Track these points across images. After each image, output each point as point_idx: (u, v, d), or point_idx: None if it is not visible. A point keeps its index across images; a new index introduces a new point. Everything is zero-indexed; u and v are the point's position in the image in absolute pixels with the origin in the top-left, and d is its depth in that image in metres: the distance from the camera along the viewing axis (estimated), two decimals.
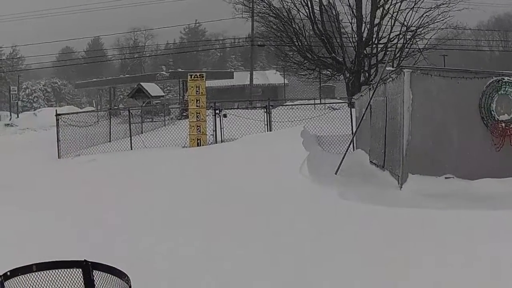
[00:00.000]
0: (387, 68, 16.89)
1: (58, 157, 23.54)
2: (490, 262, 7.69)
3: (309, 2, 37.64)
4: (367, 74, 37.36)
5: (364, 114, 16.78)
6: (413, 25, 36.68)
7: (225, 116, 24.57)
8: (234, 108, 35.06)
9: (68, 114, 27.41)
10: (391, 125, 14.85)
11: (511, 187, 12.84)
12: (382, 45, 37.47)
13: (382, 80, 16.03)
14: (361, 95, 19.76)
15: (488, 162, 13.60)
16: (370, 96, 16.60)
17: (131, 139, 24.04)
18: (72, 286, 4.63)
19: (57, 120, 24.61)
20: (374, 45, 37.77)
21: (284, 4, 38.78)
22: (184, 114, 32.38)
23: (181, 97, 50.03)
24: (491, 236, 8.72)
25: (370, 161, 16.83)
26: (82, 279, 4.63)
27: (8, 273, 4.46)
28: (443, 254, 8.12)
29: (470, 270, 7.52)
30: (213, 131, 23.35)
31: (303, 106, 30.39)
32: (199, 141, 22.48)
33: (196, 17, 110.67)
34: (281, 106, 28.02)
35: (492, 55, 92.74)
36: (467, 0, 37.34)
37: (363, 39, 37.24)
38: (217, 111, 23.95)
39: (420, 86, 13.75)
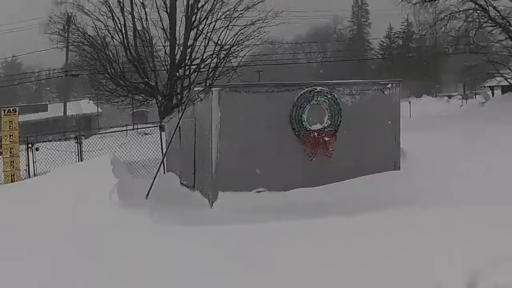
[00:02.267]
0: (195, 89, 16.84)
1: None
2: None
3: (123, 28, 36.91)
4: (179, 97, 37.15)
5: (173, 136, 16.58)
6: (227, 44, 37.02)
7: (37, 149, 24.21)
8: (48, 141, 33.90)
9: None
10: (200, 145, 14.78)
11: (324, 195, 13.15)
12: (195, 66, 37.57)
13: (191, 100, 15.92)
14: (170, 118, 19.59)
15: (302, 172, 13.85)
16: (179, 117, 16.47)
17: None
18: None
19: None
20: (187, 67, 37.78)
21: (99, 32, 37.88)
22: None
23: None
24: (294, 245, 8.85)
25: (181, 183, 16.70)
26: None
27: None
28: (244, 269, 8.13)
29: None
30: (26, 165, 23.06)
31: (115, 133, 30.16)
32: (13, 177, 22.00)
33: (14, 50, 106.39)
34: (94, 135, 27.74)
35: (309, 67, 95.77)
36: (284, 14, 37.87)
37: (176, 61, 37.17)
38: (29, 145, 23.74)
39: (229, 103, 13.71)
